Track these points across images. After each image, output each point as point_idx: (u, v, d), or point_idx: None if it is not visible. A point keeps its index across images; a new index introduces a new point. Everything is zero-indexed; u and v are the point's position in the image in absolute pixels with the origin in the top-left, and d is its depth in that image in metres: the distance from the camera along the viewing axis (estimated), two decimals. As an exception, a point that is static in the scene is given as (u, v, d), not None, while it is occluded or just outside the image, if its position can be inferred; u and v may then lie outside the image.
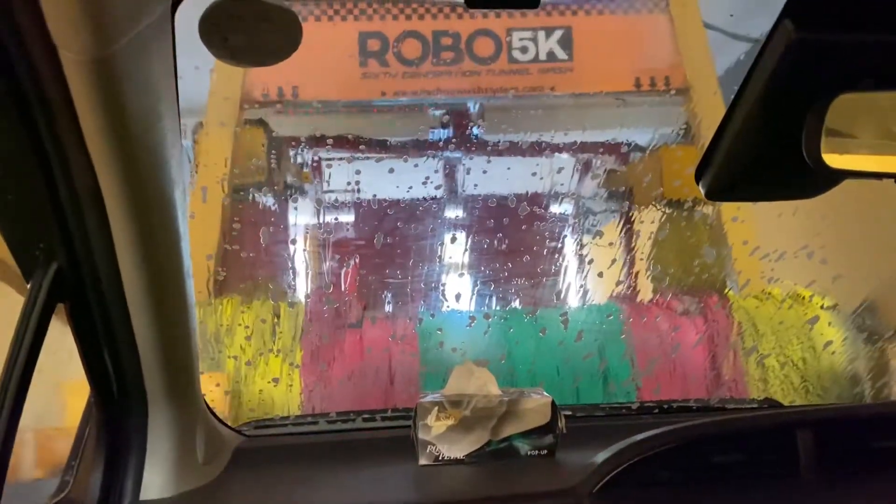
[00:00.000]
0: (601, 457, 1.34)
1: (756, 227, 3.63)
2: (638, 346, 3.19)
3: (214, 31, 0.89)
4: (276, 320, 3.09)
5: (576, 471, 1.35)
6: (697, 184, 1.00)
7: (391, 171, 3.61)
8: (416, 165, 3.98)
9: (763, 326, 3.31)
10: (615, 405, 1.95)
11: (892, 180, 0.92)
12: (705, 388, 3.18)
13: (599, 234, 4.04)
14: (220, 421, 1.56)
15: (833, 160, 0.88)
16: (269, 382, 2.87)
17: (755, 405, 1.98)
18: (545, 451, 1.50)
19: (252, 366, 2.88)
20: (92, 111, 0.88)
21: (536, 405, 1.50)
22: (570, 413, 1.63)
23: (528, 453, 1.50)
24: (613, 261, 3.53)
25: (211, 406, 1.50)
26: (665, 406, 1.83)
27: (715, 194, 1.00)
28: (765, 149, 0.93)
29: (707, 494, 1.32)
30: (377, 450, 1.57)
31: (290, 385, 2.88)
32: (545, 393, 1.55)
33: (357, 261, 3.53)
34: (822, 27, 0.79)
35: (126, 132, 0.92)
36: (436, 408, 1.49)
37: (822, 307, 3.34)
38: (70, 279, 1.06)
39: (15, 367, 0.98)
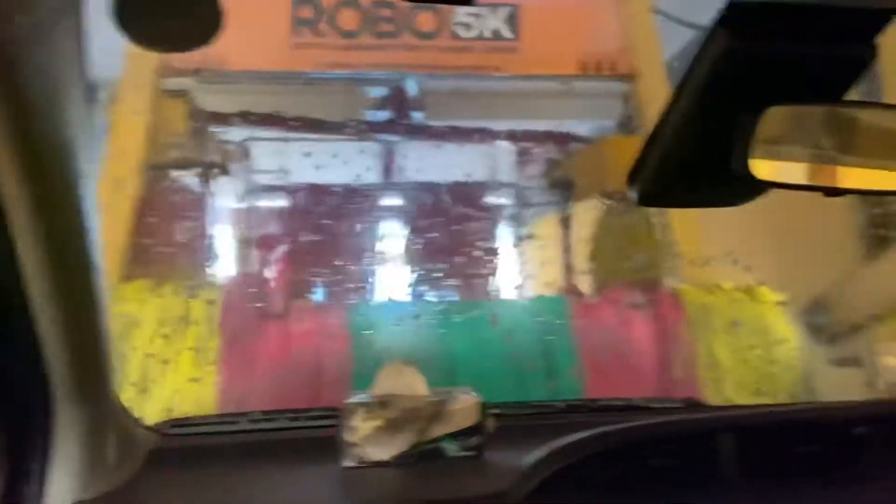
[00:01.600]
0: (530, 460, 1.38)
1: (684, 233, 3.70)
2: (579, 341, 3.26)
3: (129, 15, 0.88)
4: (192, 313, 3.03)
5: (505, 473, 1.40)
6: (629, 188, 1.03)
7: (336, 155, 3.57)
8: (356, 149, 3.95)
9: (710, 320, 3.39)
10: (543, 403, 2.00)
11: (820, 193, 0.97)
12: (646, 383, 3.26)
13: (536, 226, 4.09)
14: (135, 420, 1.54)
15: (760, 170, 0.93)
16: (187, 381, 2.82)
17: (679, 405, 2.08)
18: (473, 452, 1.53)
19: (167, 363, 2.82)
20: None
21: (464, 406, 1.54)
22: (498, 412, 1.67)
23: (456, 454, 1.53)
24: (549, 254, 3.59)
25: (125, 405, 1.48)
26: (591, 405, 1.91)
27: (647, 200, 1.04)
28: (696, 156, 0.97)
29: (639, 499, 1.38)
30: (301, 450, 1.58)
31: (210, 383, 2.84)
32: (474, 393, 1.58)
33: (285, 249, 3.49)
34: (758, 37, 0.84)
35: (26, 122, 0.88)
36: (362, 409, 1.51)
37: (775, 303, 3.44)
38: None
39: None
